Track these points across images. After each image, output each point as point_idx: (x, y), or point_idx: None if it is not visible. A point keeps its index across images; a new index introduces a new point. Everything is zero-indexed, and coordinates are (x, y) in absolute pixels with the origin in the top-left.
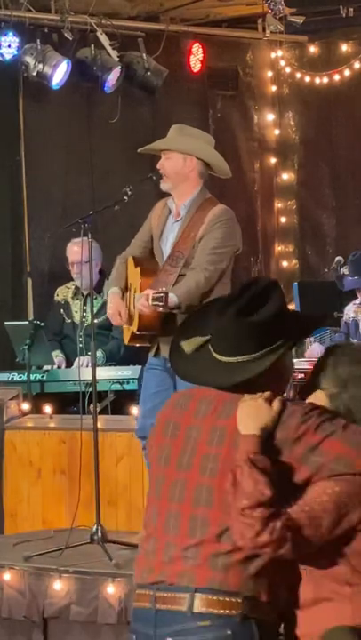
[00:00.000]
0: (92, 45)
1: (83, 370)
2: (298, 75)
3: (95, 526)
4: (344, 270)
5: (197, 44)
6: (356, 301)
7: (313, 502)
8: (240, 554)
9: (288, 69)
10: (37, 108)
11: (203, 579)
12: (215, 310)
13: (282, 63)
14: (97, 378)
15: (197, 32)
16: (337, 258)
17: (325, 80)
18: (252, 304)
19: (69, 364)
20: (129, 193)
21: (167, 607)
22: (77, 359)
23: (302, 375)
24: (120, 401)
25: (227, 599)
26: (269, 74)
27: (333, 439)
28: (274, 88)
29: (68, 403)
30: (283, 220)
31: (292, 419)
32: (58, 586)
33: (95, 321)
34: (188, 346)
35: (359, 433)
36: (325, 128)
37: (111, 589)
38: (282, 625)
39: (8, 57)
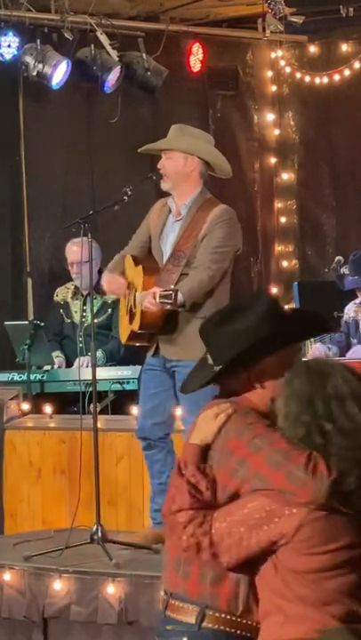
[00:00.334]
0: (92, 45)
1: (83, 370)
2: (298, 75)
3: (95, 526)
4: (344, 270)
5: (197, 44)
6: (357, 301)
7: (235, 514)
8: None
9: (288, 69)
10: (37, 108)
11: (173, 584)
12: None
13: (282, 63)
14: (97, 378)
15: (197, 32)
16: (337, 257)
17: (325, 80)
18: (233, 314)
19: (69, 364)
20: (129, 193)
21: (161, 608)
22: (78, 359)
23: None
24: (120, 401)
25: (188, 606)
26: (269, 74)
27: (258, 456)
28: (274, 88)
29: (68, 403)
30: (283, 220)
31: (230, 432)
32: (58, 586)
33: (95, 321)
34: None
35: (285, 452)
36: (325, 128)
37: (111, 589)
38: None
39: (8, 57)
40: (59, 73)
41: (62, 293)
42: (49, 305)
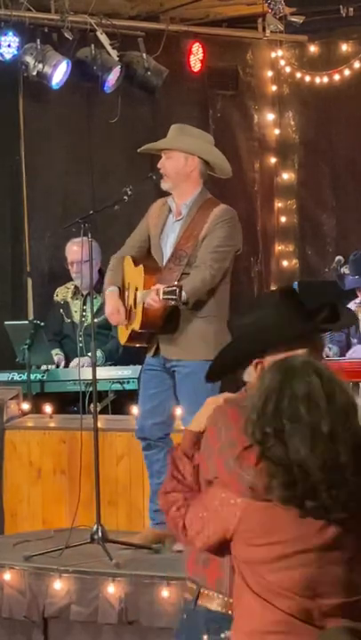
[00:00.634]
0: (92, 45)
1: (83, 370)
2: (298, 74)
3: (95, 526)
4: (345, 270)
5: (197, 44)
6: (357, 300)
7: (203, 503)
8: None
9: (288, 69)
10: (37, 108)
11: (187, 566)
12: None
13: (282, 63)
14: (97, 378)
15: (197, 32)
16: (337, 257)
17: (325, 80)
18: (245, 312)
19: (69, 362)
20: (129, 193)
21: None
22: (76, 359)
23: None
24: (120, 401)
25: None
26: (269, 73)
27: (220, 457)
28: (274, 88)
29: (69, 402)
30: (283, 219)
31: (217, 425)
32: (58, 585)
33: (95, 320)
34: None
35: (232, 440)
36: (325, 128)
37: (111, 589)
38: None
39: (8, 57)
40: (59, 73)
41: (62, 293)
42: (49, 305)
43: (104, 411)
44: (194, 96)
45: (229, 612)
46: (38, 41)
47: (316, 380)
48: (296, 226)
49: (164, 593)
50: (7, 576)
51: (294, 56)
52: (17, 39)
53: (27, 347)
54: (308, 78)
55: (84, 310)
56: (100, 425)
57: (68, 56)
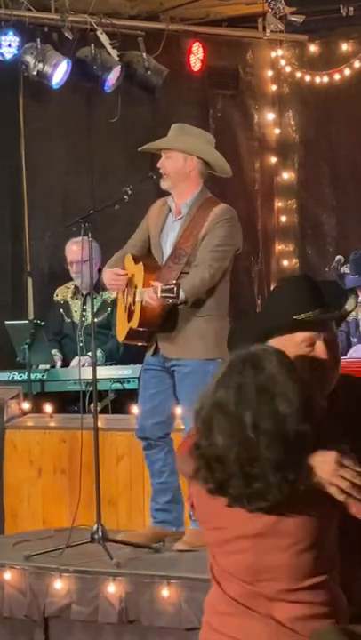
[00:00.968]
0: (92, 45)
1: (83, 369)
2: (298, 74)
3: (96, 525)
4: (345, 269)
5: (197, 44)
6: (357, 300)
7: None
8: None
9: (288, 69)
10: (37, 108)
11: None
12: None
13: (282, 62)
14: (97, 377)
15: (197, 31)
16: (337, 257)
17: (326, 79)
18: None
19: (66, 363)
20: (129, 192)
21: None
22: (76, 358)
23: None
24: (121, 400)
25: None
26: (270, 73)
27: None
28: (274, 87)
29: (69, 402)
30: (283, 219)
31: None
32: (58, 585)
33: (95, 320)
34: None
35: (181, 450)
36: (325, 127)
37: (112, 588)
38: None
39: (8, 56)
40: (59, 72)
41: (62, 293)
42: (49, 304)
43: (104, 410)
44: (194, 95)
45: None
46: (38, 40)
47: (253, 372)
48: (296, 225)
49: (165, 592)
50: (7, 575)
51: (294, 56)
52: (17, 39)
53: (27, 346)
54: (308, 78)
55: (84, 310)
56: (100, 424)
57: (69, 56)
